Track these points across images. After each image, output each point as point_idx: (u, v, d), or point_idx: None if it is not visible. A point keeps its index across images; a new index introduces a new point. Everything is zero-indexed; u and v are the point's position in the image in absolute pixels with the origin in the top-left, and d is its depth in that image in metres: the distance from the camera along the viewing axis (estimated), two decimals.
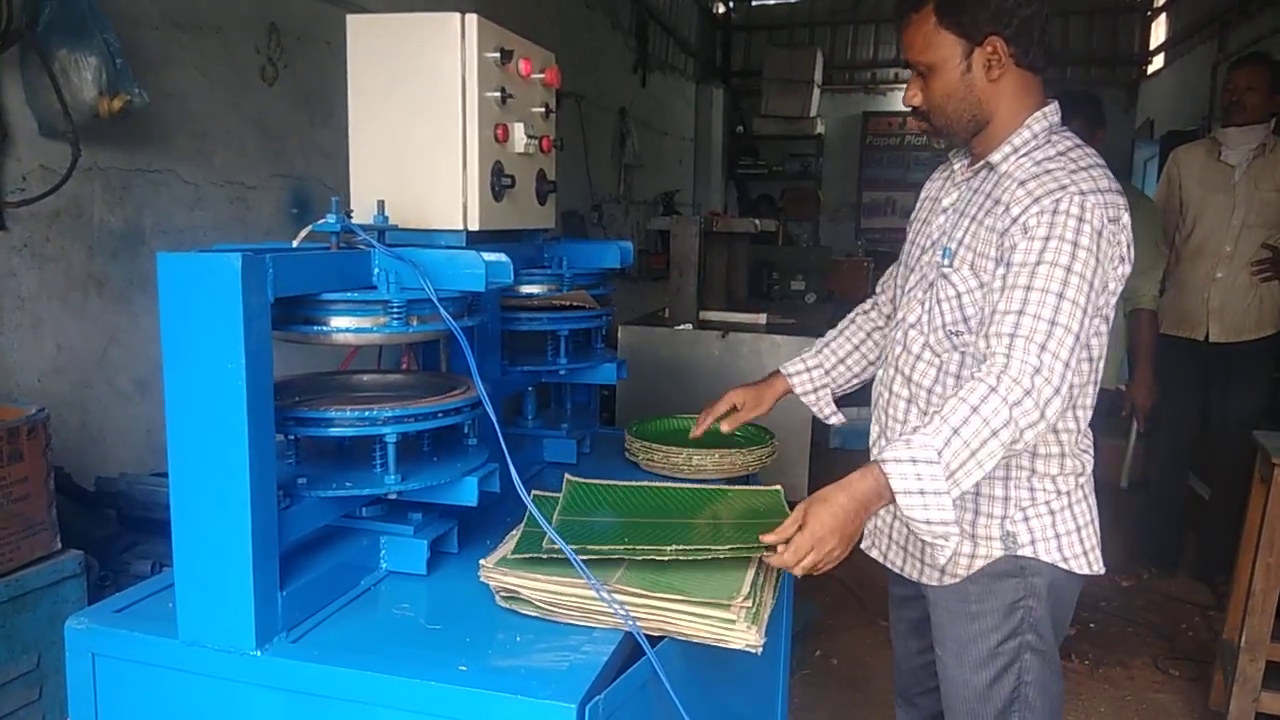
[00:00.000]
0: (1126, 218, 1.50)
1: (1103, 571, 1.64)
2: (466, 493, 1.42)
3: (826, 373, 1.93)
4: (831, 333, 1.98)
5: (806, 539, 1.35)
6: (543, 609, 1.31)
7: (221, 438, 1.15)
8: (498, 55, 1.60)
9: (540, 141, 1.77)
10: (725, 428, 1.92)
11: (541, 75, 1.77)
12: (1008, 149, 1.56)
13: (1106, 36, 9.81)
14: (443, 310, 1.34)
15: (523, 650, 1.25)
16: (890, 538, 1.76)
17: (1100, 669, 3.24)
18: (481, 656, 1.22)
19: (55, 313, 2.48)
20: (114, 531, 2.26)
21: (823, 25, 10.66)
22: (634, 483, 1.76)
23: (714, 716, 1.57)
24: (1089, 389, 1.59)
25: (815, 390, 1.93)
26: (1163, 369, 3.61)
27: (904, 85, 1.67)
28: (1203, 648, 3.37)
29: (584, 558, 1.28)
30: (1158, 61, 8.91)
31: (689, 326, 3.59)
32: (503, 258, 1.40)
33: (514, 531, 1.47)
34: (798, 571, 1.38)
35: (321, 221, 1.36)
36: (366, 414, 1.33)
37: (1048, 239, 1.43)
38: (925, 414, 1.57)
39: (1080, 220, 1.43)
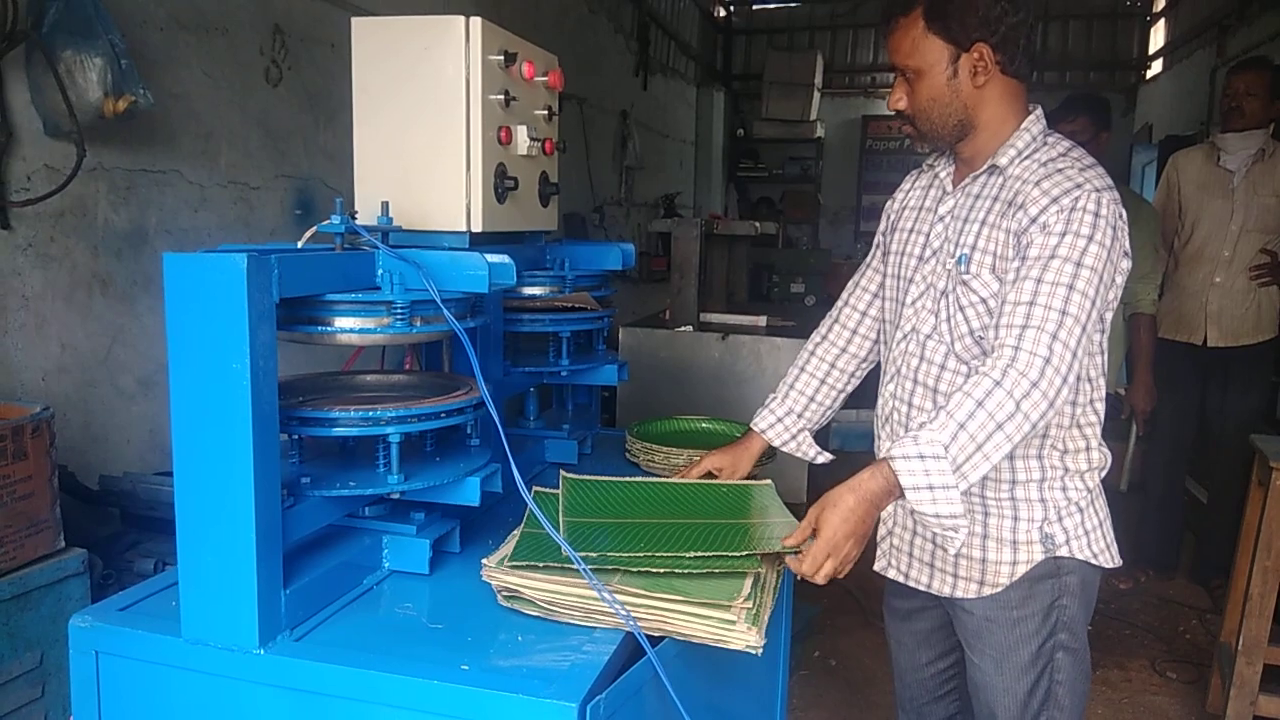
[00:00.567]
0: (1126, 214, 1.52)
1: (1121, 563, 1.66)
2: (469, 493, 1.43)
3: (799, 416, 1.87)
4: (793, 370, 1.91)
5: (823, 546, 1.37)
6: (544, 609, 1.32)
7: (226, 437, 1.16)
8: (501, 58, 1.61)
9: (543, 144, 1.78)
10: None
11: (545, 78, 1.78)
12: (1012, 152, 1.57)
13: (1105, 41, 9.82)
14: (446, 311, 1.35)
15: (524, 650, 1.25)
16: (912, 555, 1.73)
17: (1098, 671, 3.24)
18: (483, 656, 1.23)
19: (60, 312, 2.49)
20: (117, 530, 2.27)
21: (823, 29, 10.68)
22: (627, 479, 1.77)
23: (714, 716, 1.58)
24: (1102, 382, 1.61)
25: (794, 438, 1.87)
26: (1161, 373, 3.62)
27: None
28: (1200, 651, 3.38)
29: (595, 568, 1.29)
30: (1156, 66, 8.93)
31: (689, 328, 3.60)
32: (505, 259, 1.40)
33: (516, 531, 1.48)
34: (820, 580, 1.39)
35: (326, 222, 1.37)
36: (370, 414, 1.34)
37: (1064, 234, 1.45)
38: None
39: (1096, 216, 1.46)
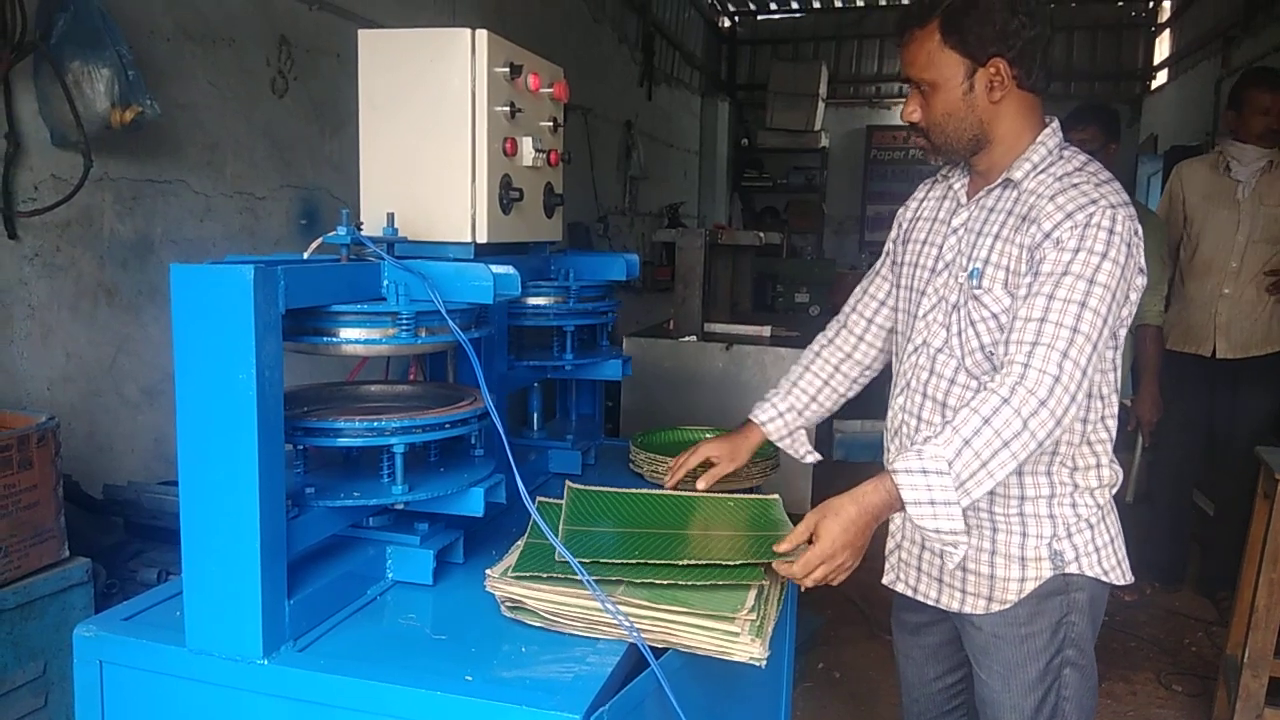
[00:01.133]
0: (1142, 231, 1.51)
1: (1132, 580, 1.65)
2: (473, 503, 1.43)
3: (800, 414, 1.87)
4: (797, 368, 1.91)
5: (817, 554, 1.37)
6: (548, 620, 1.31)
7: (231, 447, 1.17)
8: (507, 70, 1.62)
9: (548, 155, 1.79)
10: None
11: (550, 90, 1.79)
12: (1027, 166, 1.55)
13: (1110, 51, 9.84)
14: (451, 322, 1.35)
15: (528, 661, 1.25)
16: (920, 570, 1.72)
17: (1103, 684, 3.22)
18: (487, 667, 1.23)
19: (65, 321, 2.50)
20: (121, 539, 2.27)
21: (827, 39, 10.71)
22: (634, 490, 1.77)
23: None
24: (1114, 399, 1.60)
25: (790, 434, 1.88)
26: (1170, 384, 3.60)
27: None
28: (1206, 663, 3.37)
29: (595, 577, 1.29)
30: (1161, 77, 8.94)
31: (693, 338, 3.60)
32: (510, 270, 1.41)
33: (519, 542, 1.48)
34: (807, 584, 1.39)
35: (332, 234, 1.38)
36: (374, 424, 1.34)
37: (1077, 250, 1.44)
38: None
39: (1111, 232, 1.44)
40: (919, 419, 1.66)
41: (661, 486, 1.89)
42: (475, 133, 1.58)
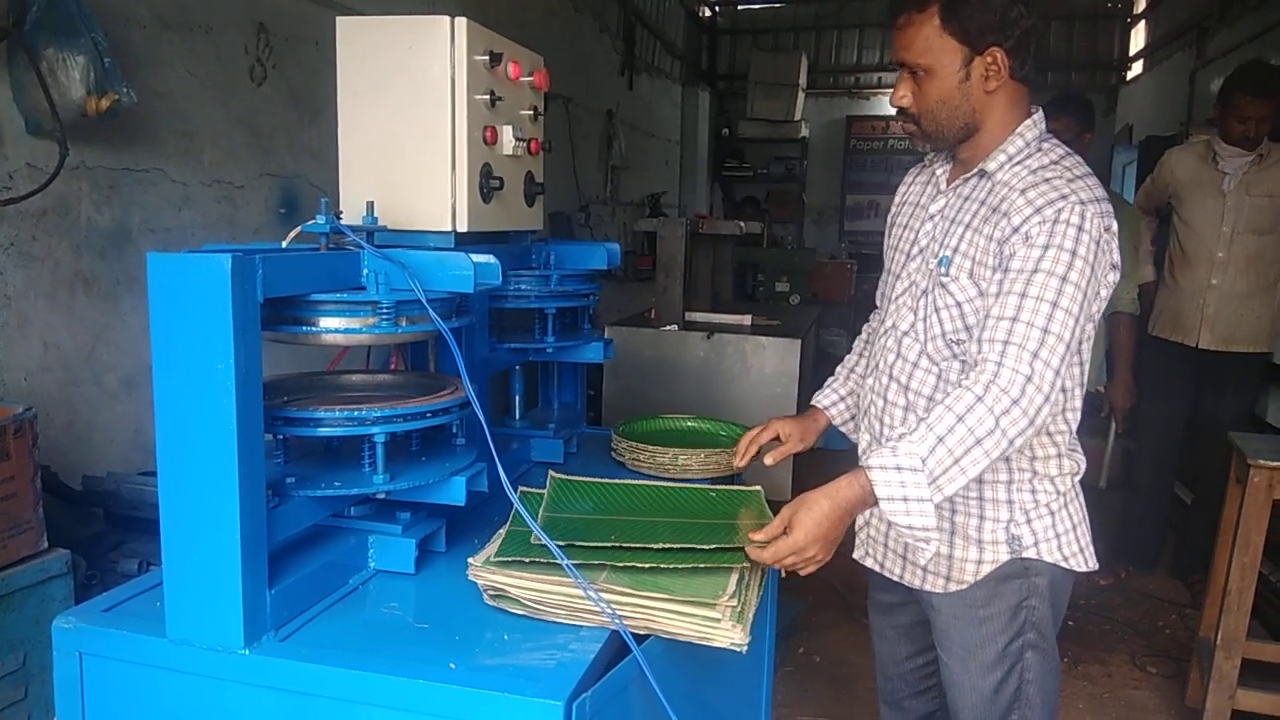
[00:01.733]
0: (1115, 226, 1.52)
1: (1097, 568, 1.67)
2: (454, 492, 1.43)
3: (860, 399, 1.86)
4: (851, 356, 1.94)
5: (788, 545, 1.39)
6: (530, 608, 1.32)
7: (210, 437, 1.16)
8: (487, 58, 1.61)
9: (529, 144, 1.78)
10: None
11: (530, 78, 1.78)
12: (1003, 157, 1.56)
13: (1086, 42, 9.89)
14: (431, 311, 1.35)
15: (510, 649, 1.26)
16: (886, 546, 1.75)
17: (1079, 666, 3.27)
18: (470, 655, 1.24)
19: (42, 311, 2.47)
20: (101, 530, 2.25)
21: (807, 30, 10.72)
22: (618, 480, 1.78)
23: (699, 713, 1.59)
24: (1078, 392, 1.61)
25: (853, 418, 1.88)
26: (1154, 371, 3.60)
27: (888, 90, 1.66)
28: (1180, 645, 3.42)
29: (574, 561, 1.30)
30: (1137, 67, 9.00)
31: (675, 327, 3.61)
32: (491, 259, 1.41)
33: (501, 531, 1.48)
34: (775, 567, 1.42)
35: (311, 222, 1.37)
36: (355, 414, 1.34)
37: (1047, 247, 1.44)
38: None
39: (1080, 229, 1.45)
40: (885, 400, 1.68)
41: (644, 476, 1.90)
42: (455, 121, 1.57)
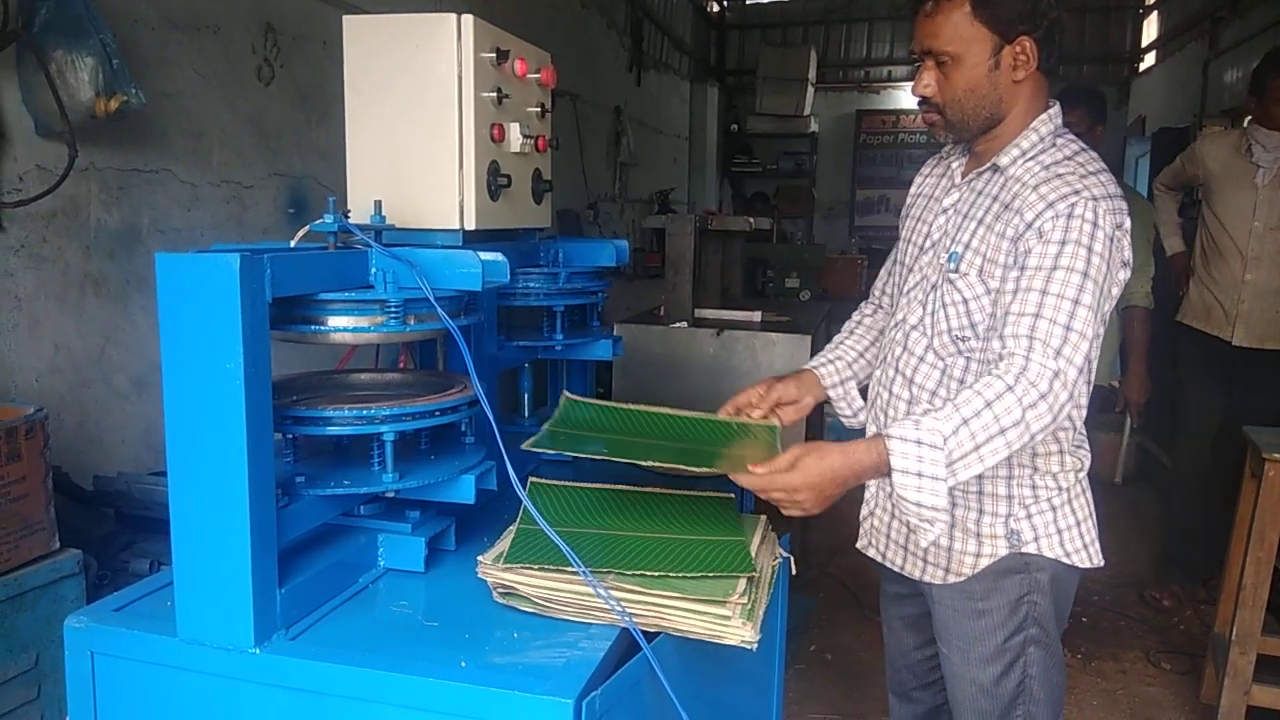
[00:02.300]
0: (1129, 223, 1.51)
1: (1102, 564, 1.66)
2: (464, 490, 1.43)
3: (849, 365, 1.86)
4: (840, 335, 1.93)
5: (783, 481, 1.36)
6: (540, 605, 1.32)
7: (220, 437, 1.16)
8: (494, 55, 1.61)
9: (536, 141, 1.78)
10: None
11: (537, 75, 1.78)
12: (1015, 152, 1.55)
13: (1099, 33, 9.84)
14: (440, 310, 1.35)
15: (520, 646, 1.26)
16: (889, 537, 1.75)
17: (1092, 662, 3.26)
18: (480, 653, 1.23)
19: (52, 313, 2.48)
20: (112, 530, 2.26)
21: (816, 24, 10.68)
22: (630, 405, 1.76)
23: (709, 711, 1.58)
24: (1084, 388, 1.60)
25: (842, 383, 1.85)
26: (1189, 362, 3.54)
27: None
28: (1194, 641, 3.40)
29: (581, 556, 1.29)
30: (1149, 59, 8.95)
31: (684, 324, 3.60)
32: (499, 257, 1.41)
33: (511, 528, 1.48)
34: (761, 496, 1.40)
35: (319, 221, 1.37)
36: (364, 413, 1.34)
37: (1063, 243, 1.44)
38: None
39: (1095, 225, 1.44)
40: (890, 392, 1.68)
41: (653, 472, 1.89)
42: (462, 119, 1.57)
